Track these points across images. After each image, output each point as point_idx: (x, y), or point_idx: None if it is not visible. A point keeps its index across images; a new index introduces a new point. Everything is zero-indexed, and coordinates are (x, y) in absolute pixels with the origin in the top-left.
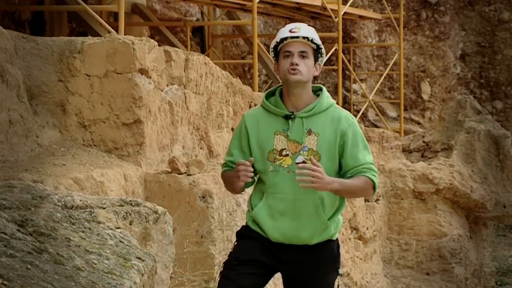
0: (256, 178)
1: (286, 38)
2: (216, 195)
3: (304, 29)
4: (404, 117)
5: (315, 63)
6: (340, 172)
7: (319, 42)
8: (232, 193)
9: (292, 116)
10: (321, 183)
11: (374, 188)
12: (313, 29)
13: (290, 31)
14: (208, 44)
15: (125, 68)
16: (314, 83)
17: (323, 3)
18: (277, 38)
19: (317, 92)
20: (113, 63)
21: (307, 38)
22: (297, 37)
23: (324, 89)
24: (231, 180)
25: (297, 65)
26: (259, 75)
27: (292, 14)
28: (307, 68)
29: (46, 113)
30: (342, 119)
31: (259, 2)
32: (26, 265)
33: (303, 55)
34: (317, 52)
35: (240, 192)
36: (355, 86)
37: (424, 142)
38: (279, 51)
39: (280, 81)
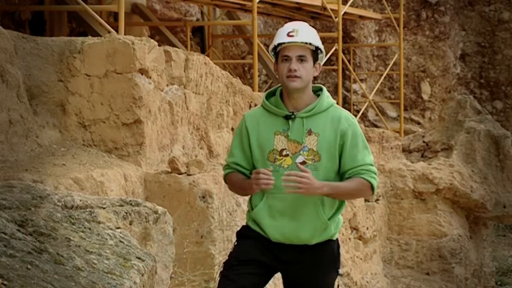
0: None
1: (284, 42)
2: (216, 195)
3: (302, 33)
4: (404, 117)
5: (314, 63)
6: (340, 172)
7: (317, 43)
8: (240, 195)
9: (293, 116)
10: (307, 188)
11: (372, 189)
12: (312, 29)
13: (288, 35)
14: (208, 44)
15: (125, 68)
16: (314, 83)
17: (323, 3)
18: (275, 42)
19: (317, 92)
20: (113, 63)
21: (305, 42)
22: (295, 42)
23: (324, 89)
24: (242, 184)
25: (295, 70)
26: (259, 75)
27: (292, 14)
28: (306, 72)
29: (46, 113)
30: (342, 119)
31: (259, 2)
32: (26, 265)
33: (301, 59)
34: (316, 53)
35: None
36: (355, 86)
37: (424, 142)
38: (278, 52)
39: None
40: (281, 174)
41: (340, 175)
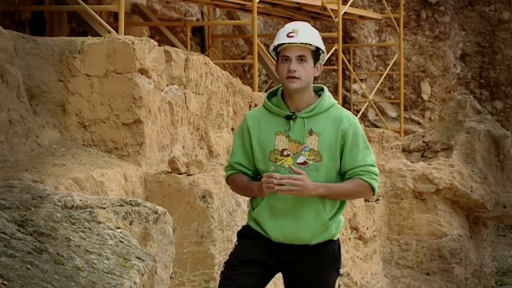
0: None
1: (284, 43)
2: (216, 195)
3: (302, 33)
4: (404, 117)
5: (315, 64)
6: (341, 172)
7: (318, 44)
8: (244, 196)
9: (294, 117)
10: (300, 190)
11: (373, 190)
12: (313, 30)
13: (288, 35)
14: (208, 44)
15: (125, 68)
16: (314, 83)
17: (323, 3)
18: (275, 42)
19: (318, 92)
20: (113, 63)
21: (305, 42)
22: (294, 43)
23: (326, 89)
24: (247, 186)
25: (294, 71)
26: (259, 75)
27: (292, 14)
28: (305, 73)
29: (46, 113)
30: (344, 119)
31: (259, 2)
32: (26, 265)
33: (301, 59)
34: (317, 53)
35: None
36: (355, 86)
37: (424, 142)
38: (278, 52)
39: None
40: (282, 174)
41: (341, 175)
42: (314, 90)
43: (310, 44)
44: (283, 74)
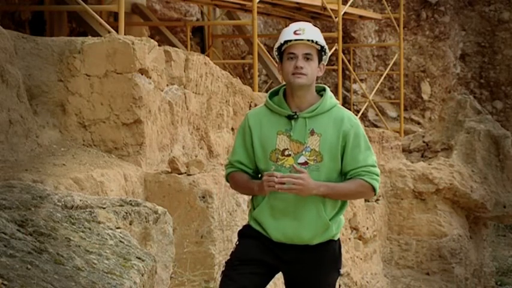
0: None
1: (290, 40)
2: (216, 195)
3: (309, 31)
4: (404, 117)
5: (318, 63)
6: (342, 173)
7: (323, 43)
8: (242, 194)
9: (295, 116)
10: (301, 189)
11: (374, 190)
12: (317, 29)
13: (294, 33)
14: (208, 44)
15: (125, 68)
16: (316, 83)
17: (323, 3)
18: (281, 40)
19: (320, 92)
20: (113, 63)
21: (312, 40)
22: (302, 39)
23: (328, 89)
24: (247, 184)
25: (301, 68)
26: (259, 75)
27: (292, 14)
28: (311, 71)
29: (46, 113)
30: (345, 119)
31: (259, 2)
32: (26, 265)
33: (307, 57)
34: (321, 52)
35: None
36: (355, 86)
37: (424, 142)
38: (283, 51)
39: (283, 82)
40: (283, 173)
41: (342, 175)
42: (316, 90)
43: (316, 42)
44: (289, 71)
